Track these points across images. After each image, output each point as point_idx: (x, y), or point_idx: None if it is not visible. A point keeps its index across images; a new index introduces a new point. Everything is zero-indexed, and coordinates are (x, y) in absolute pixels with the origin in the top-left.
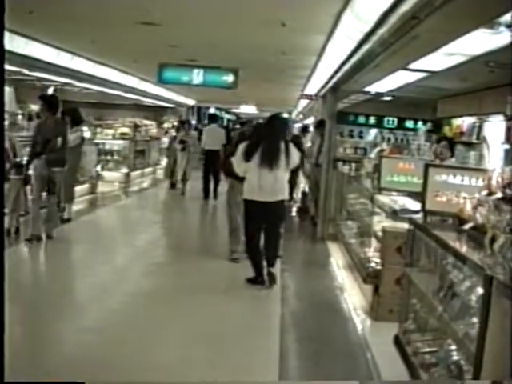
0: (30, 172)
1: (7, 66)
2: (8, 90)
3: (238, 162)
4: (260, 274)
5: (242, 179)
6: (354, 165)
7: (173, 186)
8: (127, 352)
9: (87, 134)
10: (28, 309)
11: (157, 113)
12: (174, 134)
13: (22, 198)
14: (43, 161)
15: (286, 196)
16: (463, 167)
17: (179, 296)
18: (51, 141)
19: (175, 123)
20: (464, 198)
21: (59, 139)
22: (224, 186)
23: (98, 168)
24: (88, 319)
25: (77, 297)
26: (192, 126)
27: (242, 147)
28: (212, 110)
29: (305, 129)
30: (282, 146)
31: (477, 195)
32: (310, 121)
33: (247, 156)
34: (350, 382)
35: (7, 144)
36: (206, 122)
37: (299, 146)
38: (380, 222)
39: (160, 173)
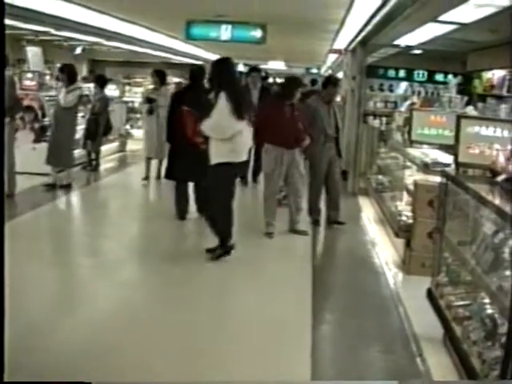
0: None
1: (35, 27)
2: (36, 50)
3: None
4: (227, 242)
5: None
6: (384, 119)
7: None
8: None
9: (116, 92)
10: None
11: (185, 70)
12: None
13: None
14: None
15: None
16: (496, 119)
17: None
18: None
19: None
20: (497, 149)
21: None
22: None
23: (128, 126)
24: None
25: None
26: (165, 77)
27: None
28: (240, 67)
29: (314, 82)
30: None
31: (509, 147)
32: (339, 76)
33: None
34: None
35: (36, 104)
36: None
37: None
38: (411, 176)
39: None
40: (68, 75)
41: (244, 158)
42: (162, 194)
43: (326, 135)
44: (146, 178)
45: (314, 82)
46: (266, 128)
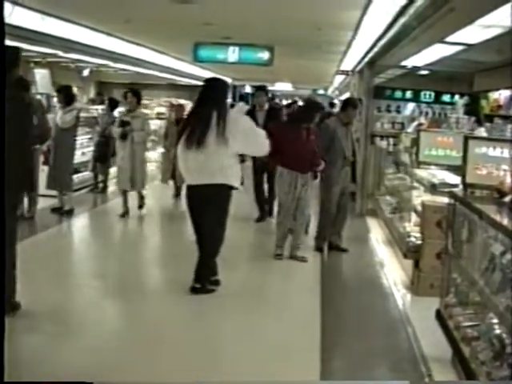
0: None
1: (43, 49)
2: (44, 73)
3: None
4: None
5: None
6: (391, 140)
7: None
8: None
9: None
10: None
11: (192, 92)
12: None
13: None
14: None
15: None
16: (503, 139)
17: None
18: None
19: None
20: (504, 170)
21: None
22: None
23: None
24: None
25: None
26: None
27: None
28: (248, 89)
29: (332, 104)
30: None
31: None
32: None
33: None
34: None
35: None
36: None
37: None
38: (419, 197)
39: None
40: (65, 96)
41: (197, 181)
42: (168, 216)
43: (345, 158)
44: (124, 214)
45: (332, 104)
46: (281, 151)
